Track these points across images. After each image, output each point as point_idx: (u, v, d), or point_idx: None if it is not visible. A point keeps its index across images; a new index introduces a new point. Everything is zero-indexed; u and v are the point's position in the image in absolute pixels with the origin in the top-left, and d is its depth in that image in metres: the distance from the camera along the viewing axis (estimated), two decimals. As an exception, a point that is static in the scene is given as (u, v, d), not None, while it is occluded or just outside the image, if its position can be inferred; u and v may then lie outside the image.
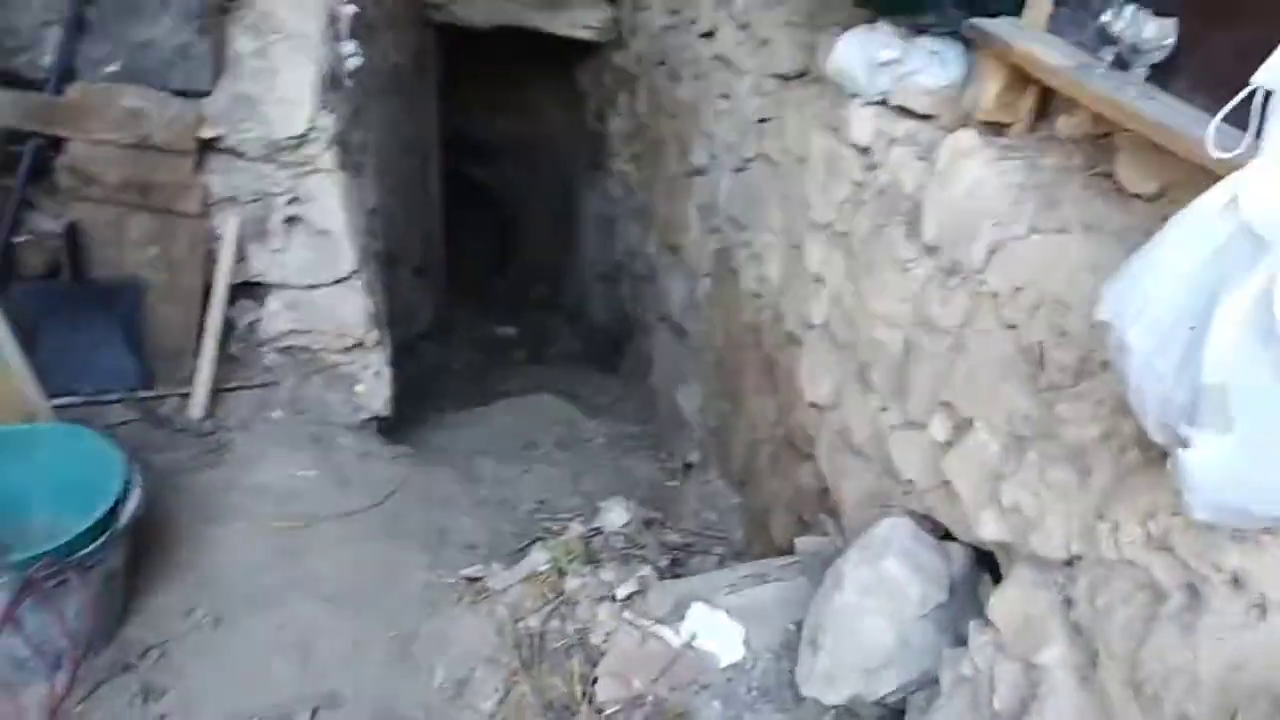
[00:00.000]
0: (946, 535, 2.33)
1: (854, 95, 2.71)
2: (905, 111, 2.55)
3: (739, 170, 3.81)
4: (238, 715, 2.36)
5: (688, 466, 3.93)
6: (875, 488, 2.55)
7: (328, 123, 3.24)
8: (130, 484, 2.45)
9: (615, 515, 3.20)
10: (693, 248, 4.48)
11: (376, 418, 3.68)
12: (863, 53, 2.61)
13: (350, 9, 3.57)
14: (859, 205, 2.68)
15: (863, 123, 2.69)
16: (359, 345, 3.58)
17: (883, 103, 2.64)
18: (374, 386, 3.63)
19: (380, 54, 4.63)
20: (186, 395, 3.28)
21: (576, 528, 3.15)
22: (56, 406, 3.02)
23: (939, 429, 2.21)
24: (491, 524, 3.31)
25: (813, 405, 2.88)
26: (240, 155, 3.23)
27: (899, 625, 2.22)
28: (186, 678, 2.45)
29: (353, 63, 3.55)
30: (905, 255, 2.40)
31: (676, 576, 2.95)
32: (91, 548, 2.31)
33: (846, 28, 2.75)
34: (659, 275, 5.10)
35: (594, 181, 7.32)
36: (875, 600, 2.23)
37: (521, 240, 10.68)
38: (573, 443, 4.42)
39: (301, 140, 3.21)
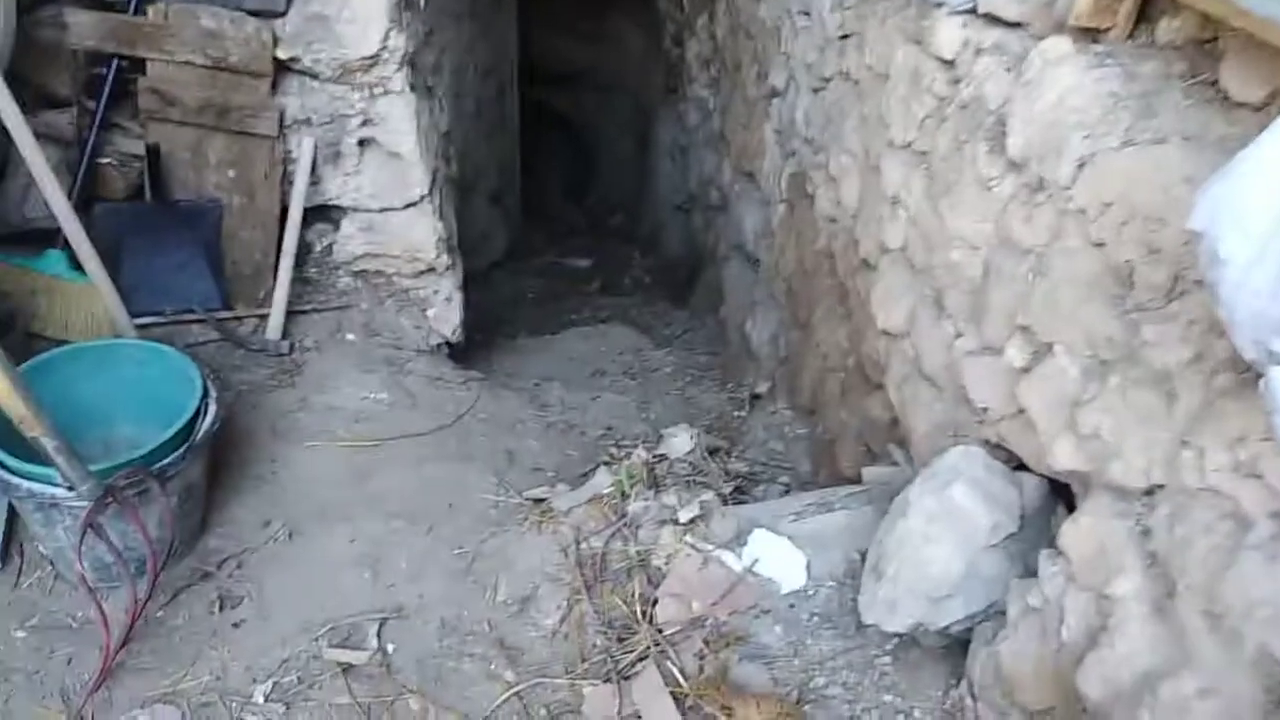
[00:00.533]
0: (1020, 466, 2.25)
1: (939, 4, 2.57)
2: (994, 20, 2.40)
3: (817, 90, 3.68)
4: (310, 623, 2.43)
5: (755, 397, 3.88)
6: (946, 417, 2.47)
7: (400, 42, 3.21)
8: (208, 400, 2.51)
9: (680, 442, 3.18)
10: (768, 173, 4.37)
11: (447, 342, 3.71)
12: (949, -41, 2.46)
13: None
14: (941, 122, 2.56)
15: (948, 33, 2.55)
16: (430, 270, 3.59)
17: (971, 10, 2.49)
18: (444, 312, 3.66)
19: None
20: (264, 316, 3.34)
21: (641, 453, 3.14)
22: (139, 325, 3.11)
23: (1016, 354, 2.12)
24: (558, 447, 3.32)
25: (885, 333, 2.80)
26: (314, 76, 3.23)
27: (967, 554, 2.15)
28: (262, 586, 2.53)
29: (422, -16, 3.51)
30: (988, 173, 2.28)
31: (740, 503, 2.93)
32: (170, 459, 2.39)
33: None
34: (732, 204, 5.00)
35: (670, 109, 7.20)
36: (942, 528, 2.17)
37: (599, 170, 10.62)
38: (640, 371, 4.40)
39: (374, 60, 3.20)
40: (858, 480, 2.90)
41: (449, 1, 4.44)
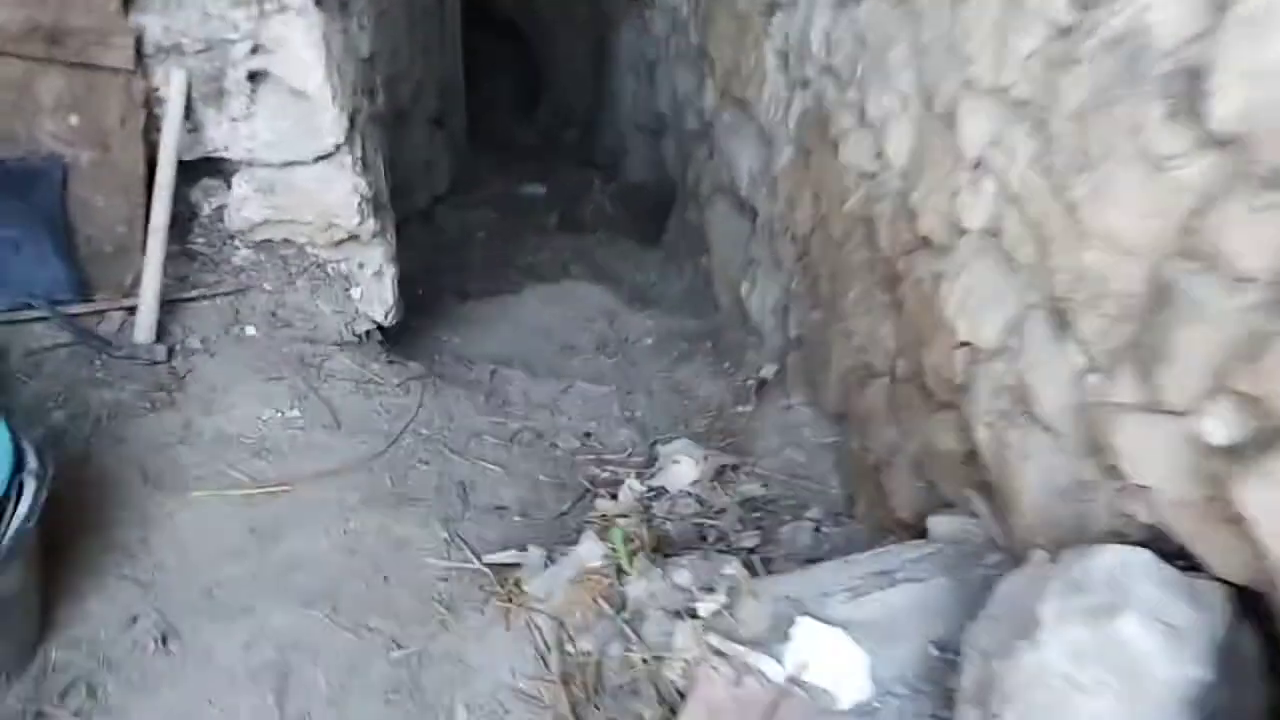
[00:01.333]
0: (1190, 563, 1.57)
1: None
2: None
3: (845, 5, 2.86)
4: (190, 780, 1.71)
5: (762, 383, 3.16)
6: (1068, 477, 1.77)
7: (294, -62, 2.32)
8: (24, 476, 1.71)
9: (683, 470, 2.46)
10: (768, 105, 3.56)
11: (379, 327, 2.91)
12: None
13: None
14: (1067, 64, 1.78)
15: (1078, -69, 1.76)
16: (353, 238, 2.77)
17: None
18: (374, 290, 2.84)
19: None
20: (133, 309, 2.51)
21: (633, 485, 2.42)
22: (-45, 330, 2.27)
23: (1219, 426, 1.41)
24: (525, 471, 2.57)
25: (966, 344, 2.07)
26: (179, -15, 2.34)
27: (1135, 712, 1.49)
28: (122, 723, 1.78)
29: None
30: (1164, 147, 1.53)
31: (767, 561, 2.23)
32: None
33: None
34: (717, 135, 4.18)
35: (633, 15, 6.25)
36: (1101, 674, 1.49)
37: (551, 81, 9.59)
38: (617, 345, 3.64)
39: (259, -36, 2.31)
40: (918, 529, 2.22)
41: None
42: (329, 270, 2.78)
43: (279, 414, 2.43)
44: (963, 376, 2.10)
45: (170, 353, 2.48)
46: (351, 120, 2.65)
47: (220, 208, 2.67)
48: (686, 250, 4.75)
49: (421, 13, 4.95)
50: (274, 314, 2.70)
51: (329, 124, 2.54)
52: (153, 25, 2.36)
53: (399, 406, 2.64)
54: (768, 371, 3.21)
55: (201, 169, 2.64)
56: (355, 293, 2.81)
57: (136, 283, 2.49)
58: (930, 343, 2.21)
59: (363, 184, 2.68)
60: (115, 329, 2.50)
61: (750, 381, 3.16)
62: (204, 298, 2.64)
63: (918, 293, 2.31)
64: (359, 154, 2.69)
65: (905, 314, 2.38)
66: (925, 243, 2.30)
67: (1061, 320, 1.79)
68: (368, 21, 2.96)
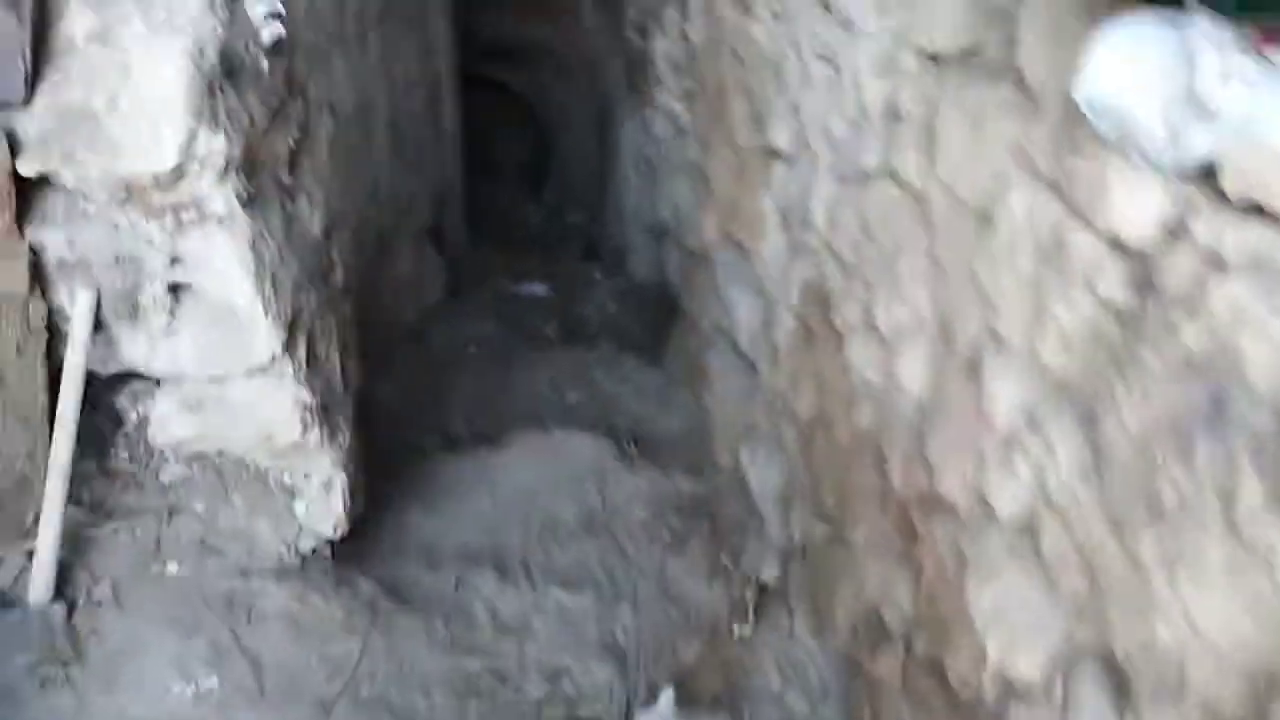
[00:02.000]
0: None
1: (1126, 148, 1.39)
2: (1249, 208, 1.25)
3: (849, 182, 2.50)
4: None
5: (761, 589, 2.77)
6: None
7: (217, 146, 1.98)
8: None
9: (665, 752, 2.08)
10: (769, 261, 3.20)
11: (328, 542, 2.55)
12: (1167, 78, 1.28)
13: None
14: (1124, 363, 1.41)
15: (1137, 201, 1.39)
16: (298, 447, 2.42)
17: (1190, 175, 1.33)
18: (321, 503, 2.48)
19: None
20: (32, 554, 2.16)
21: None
22: None
23: None
24: (482, 735, 2.20)
25: (998, 671, 1.68)
26: (86, 198, 2.01)
27: None
28: None
29: (271, 30, 2.26)
30: (1267, 536, 1.15)
31: None
32: None
33: (1111, 11, 1.41)
34: (717, 271, 3.81)
35: (635, 110, 5.92)
36: None
37: (559, 157, 9.33)
38: (604, 521, 3.26)
39: (176, 175, 1.98)
40: None
41: (343, 25, 3.19)
42: (270, 482, 2.43)
43: (193, 686, 2.06)
44: (995, 693, 1.71)
45: (71, 610, 2.13)
46: (293, 325, 2.31)
47: (145, 415, 2.33)
48: (687, 377, 4.39)
49: (411, 121, 4.66)
50: (203, 541, 2.34)
51: (262, 337, 2.20)
52: (54, 241, 2.03)
53: (339, 656, 2.27)
54: (768, 573, 2.82)
55: (126, 374, 2.30)
56: (299, 507, 2.45)
57: (34, 526, 2.14)
58: (954, 644, 1.82)
59: (305, 394, 2.34)
60: (11, 579, 2.15)
61: (750, 590, 2.78)
62: (124, 523, 2.29)
63: (938, 567, 1.92)
64: (302, 358, 2.35)
65: (924, 583, 1.99)
66: (943, 505, 1.92)
67: (1123, 686, 1.40)
68: (319, 193, 2.63)
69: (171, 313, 2.15)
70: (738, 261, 3.56)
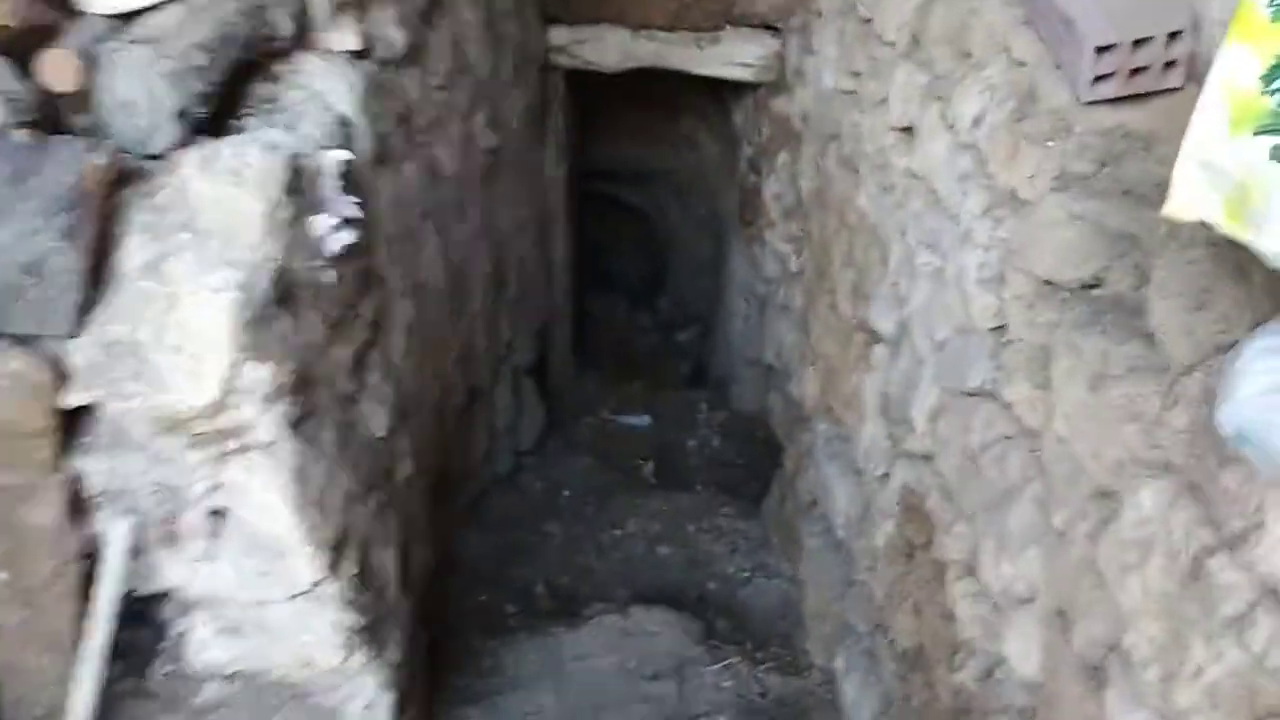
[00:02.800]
0: None
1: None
2: None
3: (954, 393, 2.22)
4: None
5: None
6: None
7: (263, 376, 1.88)
8: None
9: None
10: (867, 446, 2.91)
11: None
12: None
13: (338, 158, 2.19)
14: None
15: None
16: (339, 670, 2.25)
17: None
18: (365, 724, 2.30)
19: (457, 154, 3.27)
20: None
21: None
22: None
23: None
24: None
25: None
26: (128, 428, 1.93)
27: None
28: None
29: (339, 239, 2.17)
30: None
31: None
32: None
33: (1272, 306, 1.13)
34: (816, 440, 3.54)
35: (745, 243, 5.75)
36: None
37: (674, 271, 9.30)
38: (680, 729, 2.97)
39: (217, 408, 1.88)
40: None
41: (439, 197, 3.13)
42: (309, 705, 2.27)
43: None
44: None
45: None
46: (341, 543, 2.17)
47: (182, 633, 2.21)
48: (782, 542, 4.09)
49: (519, 262, 4.61)
50: (240, 761, 2.19)
51: (304, 564, 2.06)
52: (94, 470, 1.95)
53: None
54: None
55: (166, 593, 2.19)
56: (343, 729, 2.28)
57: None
58: None
59: (350, 616, 2.18)
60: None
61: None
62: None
63: None
64: (350, 575, 2.20)
65: None
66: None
67: None
68: (389, 387, 2.51)
69: (211, 538, 2.03)
70: (836, 437, 3.29)
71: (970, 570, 2.01)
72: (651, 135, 7.56)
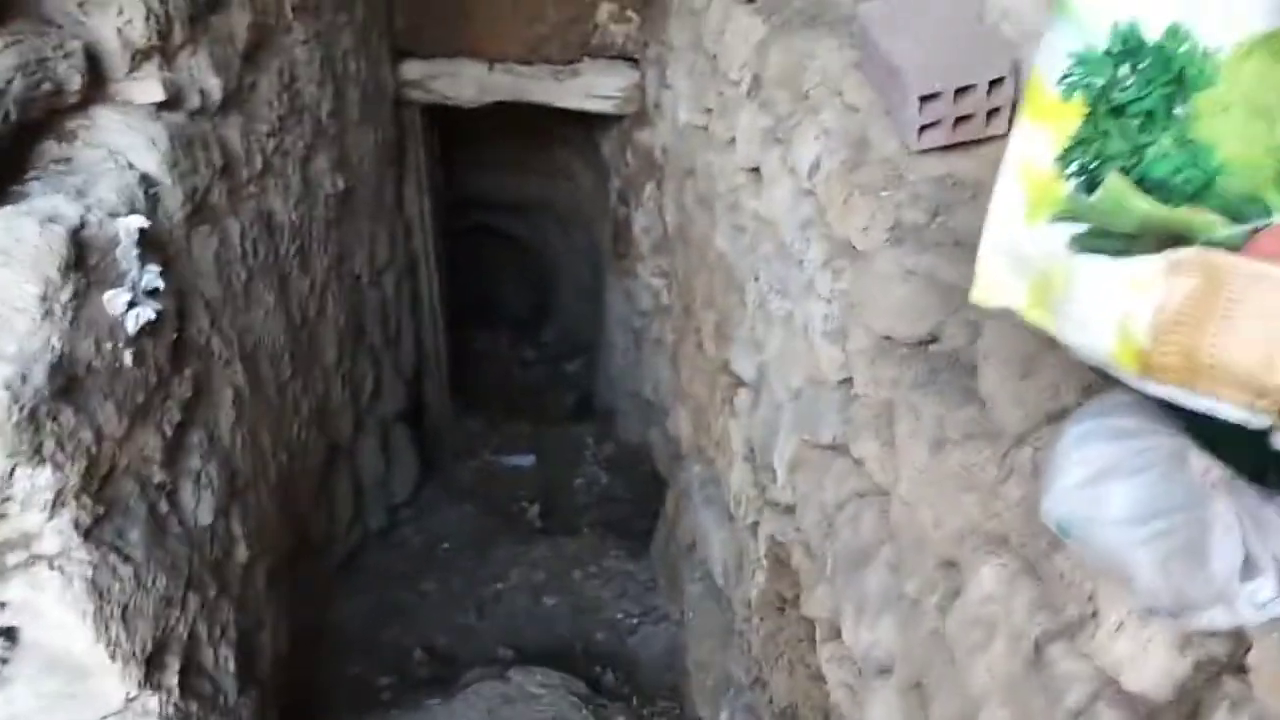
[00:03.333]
0: None
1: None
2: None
3: (811, 446, 2.15)
4: None
5: None
6: None
7: (42, 481, 1.67)
8: None
9: None
10: (736, 495, 2.83)
11: None
12: (1163, 528, 0.92)
13: (135, 224, 1.99)
14: None
15: (1143, 654, 1.02)
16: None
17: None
18: None
19: (296, 201, 3.07)
20: None
21: None
22: None
23: None
24: None
25: None
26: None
27: None
28: None
29: (139, 316, 1.97)
30: None
31: None
32: None
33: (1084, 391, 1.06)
34: (692, 481, 3.46)
35: (619, 276, 5.67)
36: None
37: (558, 303, 9.19)
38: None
39: (-7, 513, 1.66)
40: None
41: (276, 249, 2.93)
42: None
43: None
44: None
45: None
46: (159, 650, 1.96)
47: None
48: (668, 585, 3.99)
49: (382, 306, 4.42)
50: None
51: (113, 681, 1.85)
52: None
53: None
54: None
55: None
56: None
57: None
58: None
59: (174, 731, 1.97)
60: None
61: None
62: None
63: None
64: (173, 685, 1.99)
65: None
66: None
67: None
68: (214, 466, 2.30)
69: (3, 661, 1.80)
70: (709, 480, 3.21)
71: (836, 632, 1.94)
72: (527, 166, 7.45)
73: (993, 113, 1.65)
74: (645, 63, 4.33)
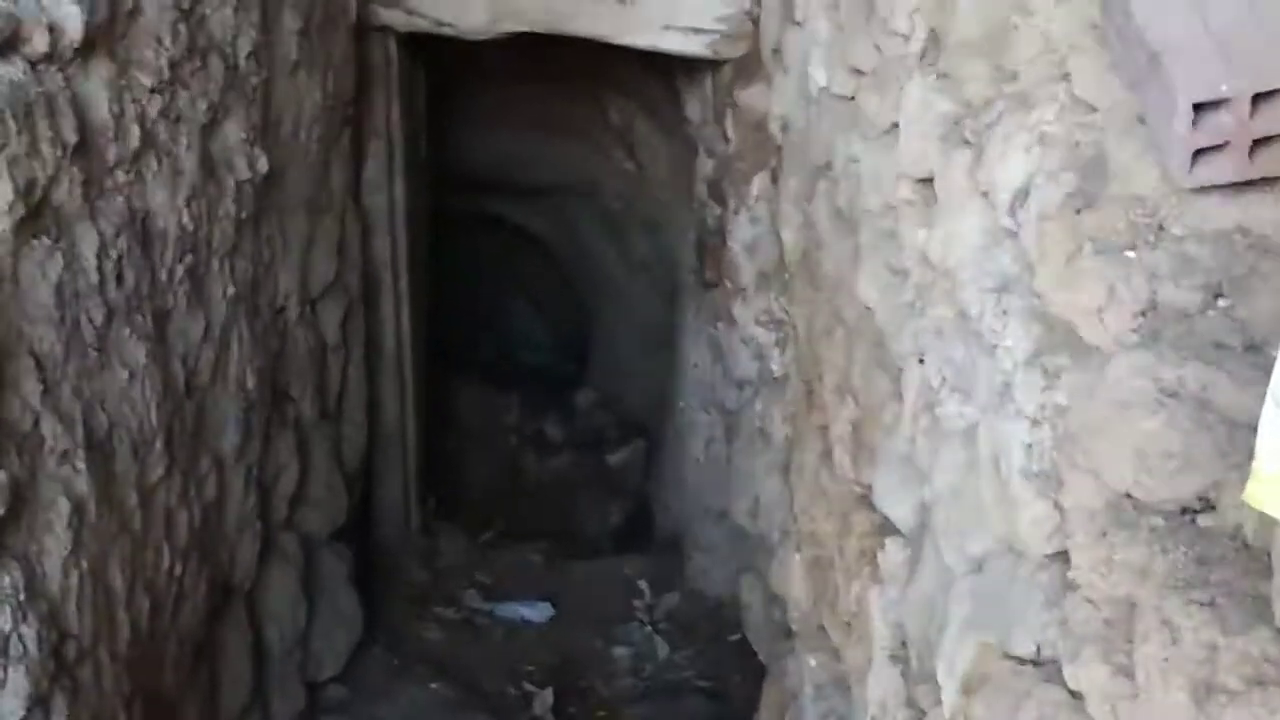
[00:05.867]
0: None
1: None
2: None
3: (997, 652, 2.18)
4: None
5: None
6: None
7: None
8: None
9: None
10: (873, 707, 2.87)
11: None
12: None
13: None
14: None
15: None
16: None
17: None
18: None
19: (188, 195, 3.22)
20: None
21: None
22: None
23: None
24: None
25: None
26: None
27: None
28: None
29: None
30: None
31: None
32: None
33: None
34: (803, 690, 3.51)
35: (707, 314, 5.78)
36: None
37: (600, 342, 9.42)
38: None
39: None
40: None
41: (156, 272, 3.07)
42: None
43: None
44: None
45: None
46: None
47: None
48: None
49: (312, 363, 4.61)
50: None
51: None
52: None
53: None
54: None
55: None
56: None
57: None
58: None
59: None
60: None
61: None
62: None
63: None
64: None
65: None
66: None
67: None
68: (32, 627, 2.40)
69: None
70: (831, 683, 3.28)
71: None
72: (558, 128, 7.62)
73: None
74: (763, -19, 4.49)
